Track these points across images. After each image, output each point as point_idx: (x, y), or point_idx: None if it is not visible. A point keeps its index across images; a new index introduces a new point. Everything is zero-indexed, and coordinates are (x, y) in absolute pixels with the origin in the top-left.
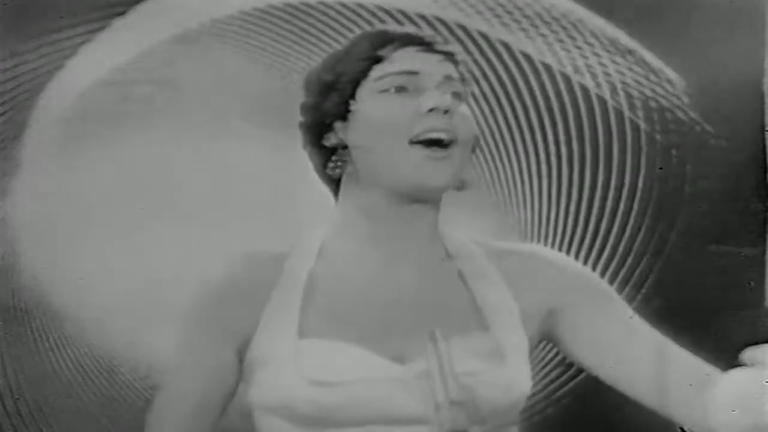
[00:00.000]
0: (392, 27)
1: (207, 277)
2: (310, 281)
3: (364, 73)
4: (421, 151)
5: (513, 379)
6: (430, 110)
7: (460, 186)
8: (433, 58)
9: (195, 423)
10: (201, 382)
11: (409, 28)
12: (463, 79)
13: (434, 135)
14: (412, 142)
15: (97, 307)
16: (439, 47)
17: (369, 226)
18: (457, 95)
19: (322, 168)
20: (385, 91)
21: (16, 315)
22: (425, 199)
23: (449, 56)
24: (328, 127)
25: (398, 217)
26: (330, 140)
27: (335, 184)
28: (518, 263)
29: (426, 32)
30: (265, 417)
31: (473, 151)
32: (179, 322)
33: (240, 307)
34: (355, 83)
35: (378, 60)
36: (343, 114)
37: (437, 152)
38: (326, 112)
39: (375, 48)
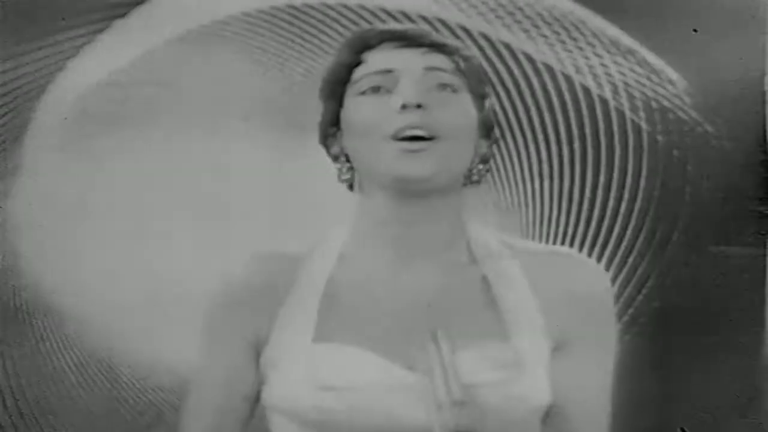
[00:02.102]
0: (376, 25)
1: (223, 277)
2: (329, 286)
3: (346, 79)
4: (399, 144)
5: (530, 390)
6: (403, 107)
7: (472, 178)
8: (414, 52)
9: (220, 428)
10: (221, 386)
11: (392, 25)
12: (460, 70)
13: (409, 133)
14: (393, 140)
15: (98, 308)
16: (424, 40)
17: (380, 231)
18: (443, 86)
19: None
20: (363, 93)
21: (17, 316)
22: (413, 192)
23: (437, 47)
24: (332, 138)
25: (407, 220)
26: (333, 149)
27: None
28: (553, 269)
29: (410, 26)
30: (276, 418)
31: (494, 141)
32: (180, 320)
33: (255, 308)
34: (341, 90)
35: (359, 63)
36: (337, 122)
37: (414, 144)
38: (325, 122)
39: (355, 52)
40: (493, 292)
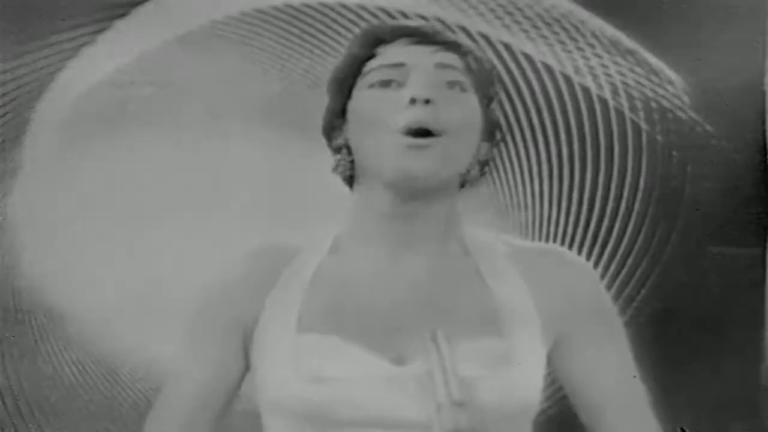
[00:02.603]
0: (389, 21)
1: (214, 271)
2: (316, 277)
3: (357, 72)
4: (404, 140)
5: (518, 385)
6: (412, 101)
7: (468, 179)
8: (426, 49)
9: (195, 416)
10: (202, 373)
11: (407, 21)
12: (470, 70)
13: (416, 126)
14: (399, 134)
15: (97, 308)
16: (437, 38)
17: (377, 224)
18: (453, 84)
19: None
20: (372, 86)
21: (17, 316)
22: (415, 189)
23: (449, 46)
24: (337, 130)
25: (405, 215)
26: (336, 141)
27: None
28: (543, 266)
29: (424, 23)
30: (266, 413)
31: (496, 143)
32: (180, 321)
33: (242, 298)
34: (351, 82)
35: (371, 57)
36: (343, 113)
37: (419, 140)
38: (330, 114)
39: (368, 46)
40: (487, 284)
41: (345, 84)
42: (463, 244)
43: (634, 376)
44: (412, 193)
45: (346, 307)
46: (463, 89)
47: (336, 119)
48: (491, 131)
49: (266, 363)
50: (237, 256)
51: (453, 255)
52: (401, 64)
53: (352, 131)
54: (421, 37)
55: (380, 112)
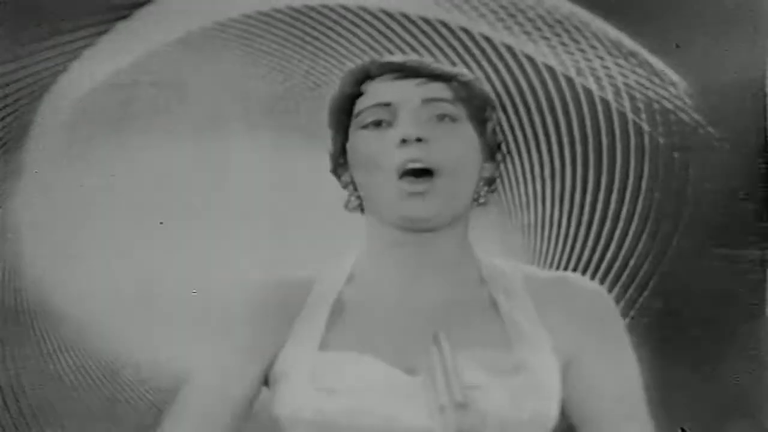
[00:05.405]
0: (376, 57)
1: (242, 295)
2: (338, 302)
3: (349, 111)
4: (403, 185)
5: (527, 396)
6: (403, 142)
7: (479, 200)
8: (411, 83)
9: (204, 428)
10: (218, 391)
11: (393, 57)
12: (458, 98)
13: (411, 166)
14: (398, 176)
15: (99, 309)
16: (421, 71)
17: (389, 252)
18: (442, 117)
19: None
20: (365, 126)
21: (18, 317)
22: (419, 228)
23: (434, 77)
24: (342, 168)
25: (415, 244)
26: (343, 178)
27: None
28: (556, 295)
29: (409, 57)
30: (285, 428)
31: (500, 162)
32: (180, 321)
33: (268, 327)
34: (346, 122)
35: (360, 95)
36: (344, 152)
37: (417, 185)
38: (334, 153)
39: (355, 83)
40: (501, 312)
41: (341, 123)
42: (479, 272)
43: (640, 402)
44: (417, 230)
45: (366, 327)
46: (453, 119)
47: (339, 158)
48: (492, 152)
49: (288, 380)
50: (261, 285)
51: (467, 283)
52: (388, 104)
53: (354, 171)
54: (407, 71)
55: (375, 153)
